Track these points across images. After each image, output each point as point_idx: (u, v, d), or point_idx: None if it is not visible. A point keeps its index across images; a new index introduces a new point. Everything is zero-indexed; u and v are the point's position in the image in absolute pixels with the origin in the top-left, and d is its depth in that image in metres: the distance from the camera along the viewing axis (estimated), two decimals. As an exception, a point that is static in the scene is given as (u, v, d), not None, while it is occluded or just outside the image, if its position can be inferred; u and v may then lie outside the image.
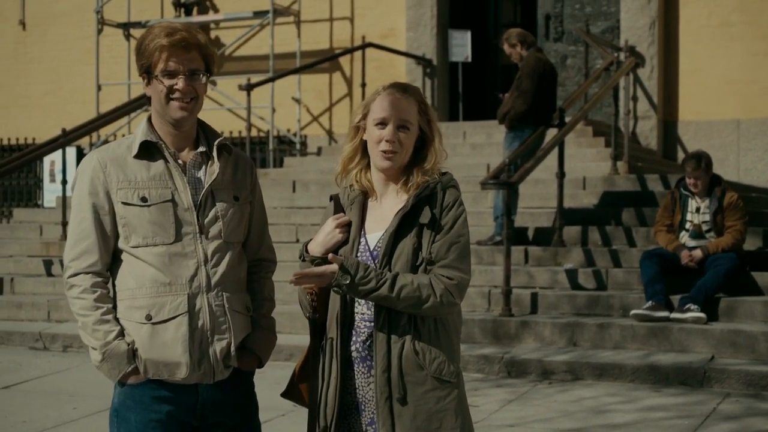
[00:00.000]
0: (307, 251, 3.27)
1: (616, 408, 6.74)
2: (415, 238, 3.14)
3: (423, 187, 3.18)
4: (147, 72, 3.25)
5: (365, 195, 3.30)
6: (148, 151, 3.26)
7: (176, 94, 3.21)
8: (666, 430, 6.21)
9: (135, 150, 3.25)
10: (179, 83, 3.20)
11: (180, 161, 3.28)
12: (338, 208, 3.32)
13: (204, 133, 3.36)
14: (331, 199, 3.38)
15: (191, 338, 3.18)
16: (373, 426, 3.20)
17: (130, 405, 3.23)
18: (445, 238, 3.14)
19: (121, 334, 3.20)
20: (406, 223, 3.16)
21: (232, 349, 3.24)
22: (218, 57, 3.34)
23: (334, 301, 3.21)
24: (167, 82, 3.21)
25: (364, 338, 3.18)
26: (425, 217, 3.15)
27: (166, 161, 3.26)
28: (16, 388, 7.76)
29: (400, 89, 3.24)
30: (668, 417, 6.49)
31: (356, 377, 3.21)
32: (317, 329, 3.27)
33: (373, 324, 3.17)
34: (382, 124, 3.20)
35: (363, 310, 3.20)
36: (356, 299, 3.20)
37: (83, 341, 3.28)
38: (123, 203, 3.21)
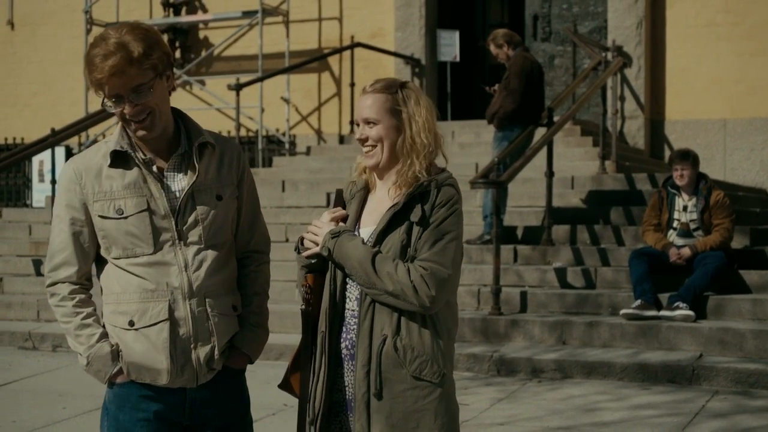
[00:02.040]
0: (302, 243, 3.29)
1: (605, 406, 6.77)
2: (404, 235, 3.14)
3: (416, 185, 3.17)
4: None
5: (367, 191, 3.33)
6: (123, 158, 3.20)
7: (129, 118, 3.13)
8: (655, 428, 6.23)
9: (109, 159, 3.19)
10: (126, 108, 3.11)
11: (155, 167, 3.21)
12: (339, 202, 3.35)
13: (186, 131, 3.26)
14: (336, 193, 3.41)
15: (173, 345, 3.16)
16: (361, 423, 3.20)
17: (118, 404, 3.23)
18: (429, 234, 3.13)
19: (105, 335, 3.19)
20: (396, 220, 3.16)
21: (216, 353, 3.21)
22: (171, 51, 3.15)
23: (326, 296, 3.22)
24: (116, 110, 3.13)
25: (354, 335, 3.19)
26: (416, 214, 3.15)
27: (140, 168, 3.20)
28: (5, 388, 7.75)
29: (371, 86, 3.28)
30: (657, 415, 6.52)
31: (346, 374, 3.21)
32: (309, 323, 3.26)
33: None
34: (357, 124, 3.27)
35: (353, 306, 3.20)
36: (347, 296, 3.20)
37: (71, 347, 3.28)
38: (100, 216, 3.17)
